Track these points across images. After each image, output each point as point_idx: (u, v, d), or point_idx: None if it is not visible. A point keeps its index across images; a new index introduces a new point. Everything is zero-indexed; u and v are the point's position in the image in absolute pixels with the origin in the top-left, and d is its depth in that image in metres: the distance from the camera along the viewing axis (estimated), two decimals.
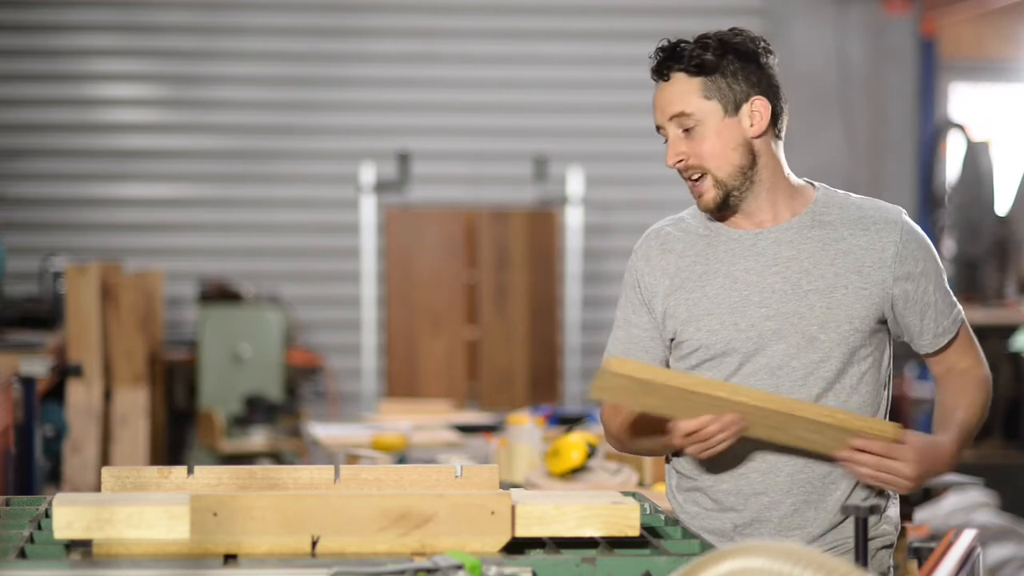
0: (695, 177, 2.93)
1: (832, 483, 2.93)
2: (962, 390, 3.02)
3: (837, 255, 2.94)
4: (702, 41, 2.91)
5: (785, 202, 2.97)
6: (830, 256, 2.94)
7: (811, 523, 2.93)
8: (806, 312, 2.90)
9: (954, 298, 3.03)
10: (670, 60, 2.92)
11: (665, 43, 2.94)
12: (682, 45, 2.92)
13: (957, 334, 3.01)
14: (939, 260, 3.01)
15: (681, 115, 2.91)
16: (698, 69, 2.90)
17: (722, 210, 2.95)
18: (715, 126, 2.91)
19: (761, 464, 2.93)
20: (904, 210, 3.01)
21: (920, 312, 2.96)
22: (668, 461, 3.09)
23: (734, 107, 2.91)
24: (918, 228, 3.00)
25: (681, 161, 2.92)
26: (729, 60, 2.90)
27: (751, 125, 2.92)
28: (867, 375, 2.94)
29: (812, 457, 2.92)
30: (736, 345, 2.92)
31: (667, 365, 3.02)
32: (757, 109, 2.92)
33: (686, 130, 2.92)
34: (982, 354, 3.07)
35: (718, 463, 2.96)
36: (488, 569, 2.28)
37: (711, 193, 2.93)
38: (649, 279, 3.01)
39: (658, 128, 2.97)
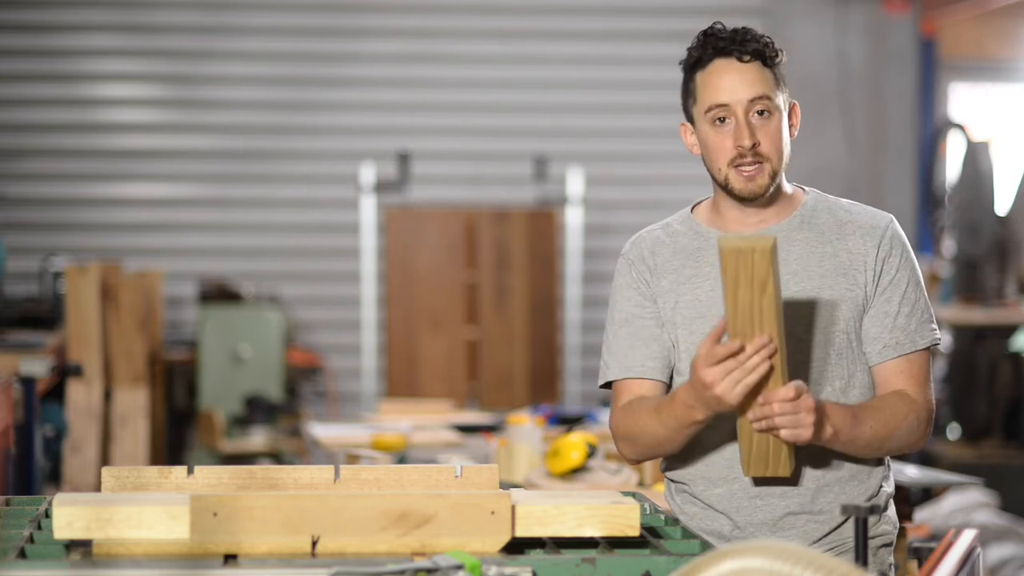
0: (753, 163, 2.89)
1: (826, 488, 2.92)
2: (889, 398, 2.91)
3: (824, 257, 2.93)
4: (765, 37, 2.92)
5: (777, 207, 2.97)
6: (817, 258, 2.93)
7: (804, 526, 2.92)
8: (793, 313, 2.87)
9: (932, 324, 2.95)
10: (753, 43, 2.89)
11: (721, 25, 2.92)
12: (755, 33, 2.91)
13: (911, 357, 2.92)
14: (920, 276, 2.96)
15: (764, 98, 2.88)
16: (773, 62, 2.91)
17: (754, 202, 2.92)
18: (780, 119, 2.91)
19: None
20: (894, 218, 2.99)
21: (875, 318, 2.92)
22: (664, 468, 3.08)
23: (787, 107, 2.94)
24: (904, 239, 2.97)
25: (755, 145, 2.88)
26: (784, 63, 2.94)
27: (791, 126, 2.95)
28: (855, 378, 2.93)
29: (804, 464, 2.91)
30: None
31: (672, 357, 2.99)
32: (796, 114, 2.97)
33: (759, 113, 2.89)
34: (932, 394, 2.95)
35: (709, 469, 2.95)
36: (488, 569, 2.27)
37: (765, 179, 2.89)
38: (648, 276, 3.00)
39: (714, 108, 2.88)
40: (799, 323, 2.89)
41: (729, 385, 2.68)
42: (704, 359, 2.70)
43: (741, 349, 2.67)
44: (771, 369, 2.69)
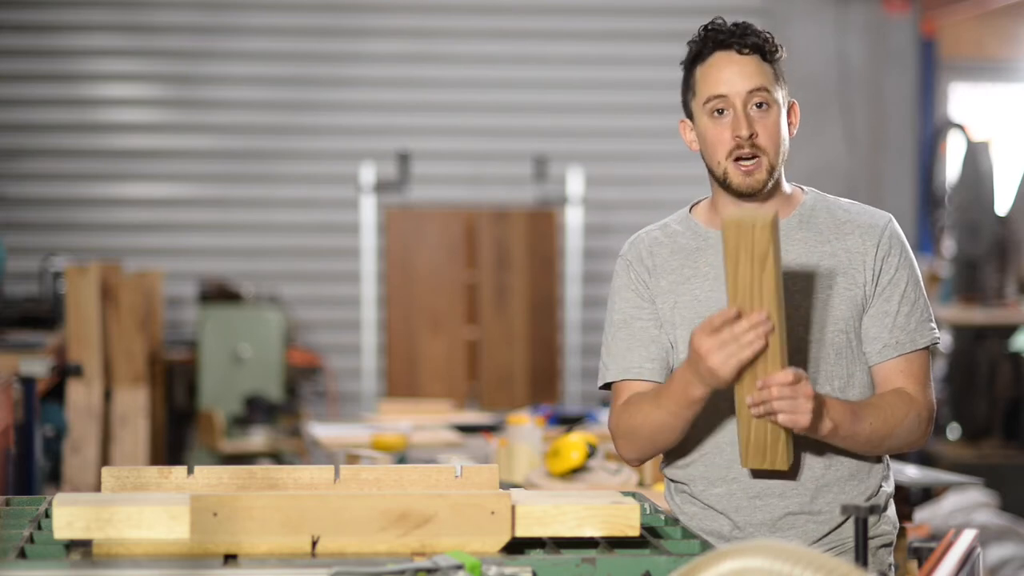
0: (750, 156, 2.88)
1: (826, 488, 2.92)
2: (890, 395, 2.90)
3: (823, 257, 2.93)
4: (765, 32, 2.92)
5: (775, 205, 2.96)
6: (816, 258, 2.93)
7: (804, 526, 2.92)
8: (792, 313, 2.86)
9: (931, 324, 2.94)
10: (752, 37, 2.89)
11: (722, 21, 2.92)
12: (755, 28, 2.90)
13: (911, 357, 2.92)
14: (919, 276, 2.96)
15: (763, 90, 2.88)
16: (772, 57, 2.91)
17: (752, 197, 2.91)
18: (779, 113, 2.91)
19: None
20: (893, 217, 2.98)
21: (875, 318, 2.91)
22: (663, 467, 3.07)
23: (786, 104, 2.94)
24: (903, 238, 2.97)
25: (753, 136, 2.87)
26: (783, 59, 2.93)
27: (790, 124, 2.95)
28: (855, 378, 2.93)
29: (804, 463, 2.90)
30: None
31: (671, 358, 2.98)
32: (795, 113, 2.96)
33: (758, 106, 2.88)
34: (932, 394, 2.94)
35: (709, 469, 2.95)
36: (488, 569, 2.27)
37: (763, 175, 2.88)
38: (646, 276, 3.00)
39: (712, 99, 2.89)
40: (798, 322, 2.89)
41: (724, 357, 2.68)
42: (701, 328, 2.70)
43: (738, 316, 2.66)
44: (768, 349, 2.68)
